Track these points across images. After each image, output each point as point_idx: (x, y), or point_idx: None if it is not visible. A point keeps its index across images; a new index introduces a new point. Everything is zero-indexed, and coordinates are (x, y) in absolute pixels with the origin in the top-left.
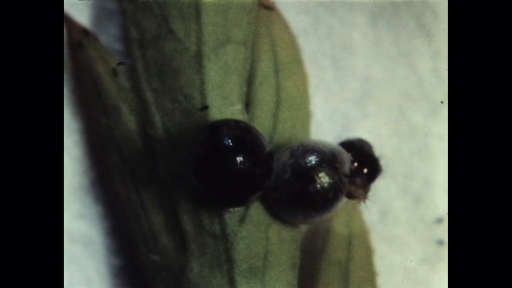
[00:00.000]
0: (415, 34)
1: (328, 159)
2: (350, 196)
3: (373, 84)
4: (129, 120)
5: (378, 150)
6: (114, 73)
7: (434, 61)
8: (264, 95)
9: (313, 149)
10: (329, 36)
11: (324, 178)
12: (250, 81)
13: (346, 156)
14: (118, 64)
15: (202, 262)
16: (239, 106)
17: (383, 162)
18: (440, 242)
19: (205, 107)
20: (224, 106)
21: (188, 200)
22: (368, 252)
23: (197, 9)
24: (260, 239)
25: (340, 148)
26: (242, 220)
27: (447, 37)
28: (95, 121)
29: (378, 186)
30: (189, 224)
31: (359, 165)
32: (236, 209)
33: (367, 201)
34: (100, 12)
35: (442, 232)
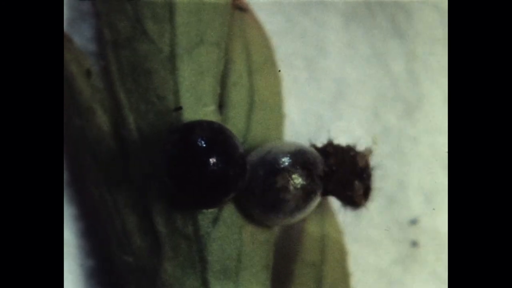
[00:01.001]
0: (389, 35)
1: (302, 160)
2: (351, 202)
3: (347, 86)
4: (103, 121)
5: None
6: (88, 74)
7: (408, 62)
8: (238, 96)
9: (286, 150)
10: (303, 37)
11: (297, 180)
12: (223, 82)
13: (319, 158)
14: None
15: (175, 263)
16: (212, 107)
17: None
18: (413, 244)
19: (178, 108)
20: (198, 107)
21: (162, 201)
22: (342, 254)
23: (171, 10)
24: (233, 241)
25: (314, 150)
26: (215, 221)
27: (421, 38)
28: (69, 122)
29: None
30: (163, 225)
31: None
32: (209, 210)
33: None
34: (74, 14)
35: (416, 233)
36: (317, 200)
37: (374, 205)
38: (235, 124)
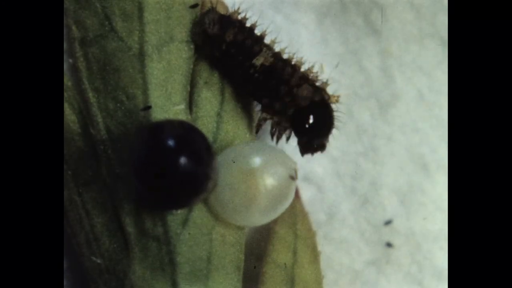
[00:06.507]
0: (363, 33)
1: (272, 161)
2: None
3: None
4: (71, 120)
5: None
6: None
7: (382, 59)
8: (208, 95)
9: (257, 150)
10: (276, 35)
11: (268, 180)
12: (194, 81)
13: (290, 160)
14: None
15: (144, 265)
16: (182, 106)
17: None
18: (388, 245)
19: (148, 107)
20: (167, 106)
21: (131, 202)
22: (313, 255)
23: (140, 7)
24: (203, 242)
25: (284, 152)
26: (185, 222)
27: (395, 36)
28: None
29: (325, 186)
30: (132, 226)
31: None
32: (179, 211)
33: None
34: None
35: (390, 234)
36: (288, 200)
37: (347, 205)
38: (205, 124)
